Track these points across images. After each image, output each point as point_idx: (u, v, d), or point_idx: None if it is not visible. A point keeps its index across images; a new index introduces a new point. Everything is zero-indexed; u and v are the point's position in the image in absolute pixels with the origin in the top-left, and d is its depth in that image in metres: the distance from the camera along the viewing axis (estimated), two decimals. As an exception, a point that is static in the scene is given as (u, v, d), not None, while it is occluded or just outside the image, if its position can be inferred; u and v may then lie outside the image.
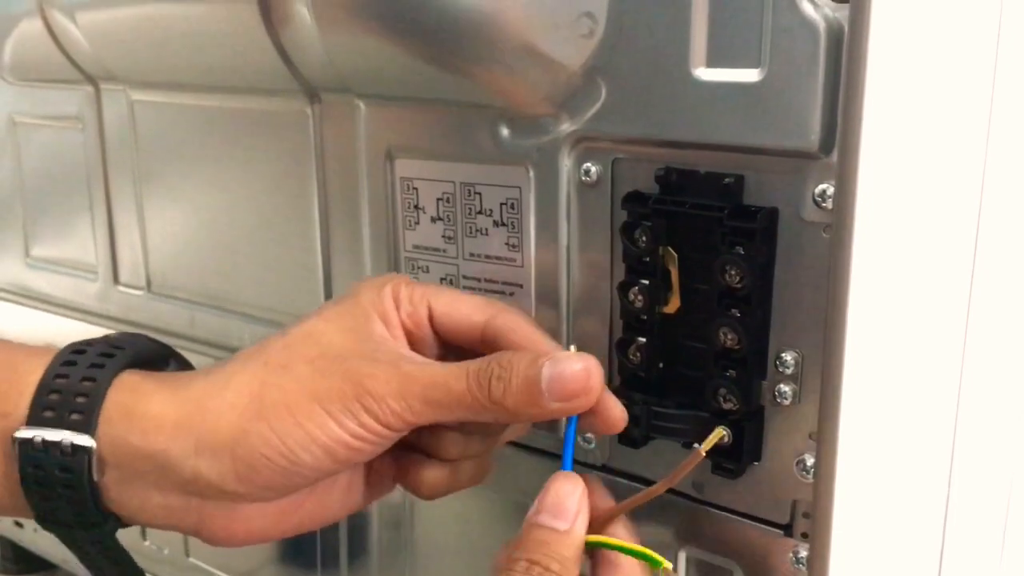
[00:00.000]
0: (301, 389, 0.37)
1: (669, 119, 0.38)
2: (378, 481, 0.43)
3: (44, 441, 0.38)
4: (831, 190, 0.35)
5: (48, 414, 0.38)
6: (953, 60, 0.35)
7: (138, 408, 0.38)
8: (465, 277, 0.47)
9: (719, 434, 0.36)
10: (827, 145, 0.35)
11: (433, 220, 0.47)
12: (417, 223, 0.48)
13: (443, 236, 0.47)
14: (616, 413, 0.38)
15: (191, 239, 0.60)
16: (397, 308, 0.40)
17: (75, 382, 0.38)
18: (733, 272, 0.37)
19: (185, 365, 0.44)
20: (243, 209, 0.56)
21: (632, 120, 0.39)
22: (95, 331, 0.66)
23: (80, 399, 0.38)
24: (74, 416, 0.38)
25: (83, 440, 0.38)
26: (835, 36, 0.34)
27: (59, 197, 0.68)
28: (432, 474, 0.41)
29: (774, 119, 0.35)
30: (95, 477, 0.38)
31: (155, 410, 0.38)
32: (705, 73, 0.37)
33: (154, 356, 0.43)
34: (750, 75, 0.36)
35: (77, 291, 0.68)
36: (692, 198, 0.38)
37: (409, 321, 0.40)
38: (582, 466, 0.45)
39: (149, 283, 0.63)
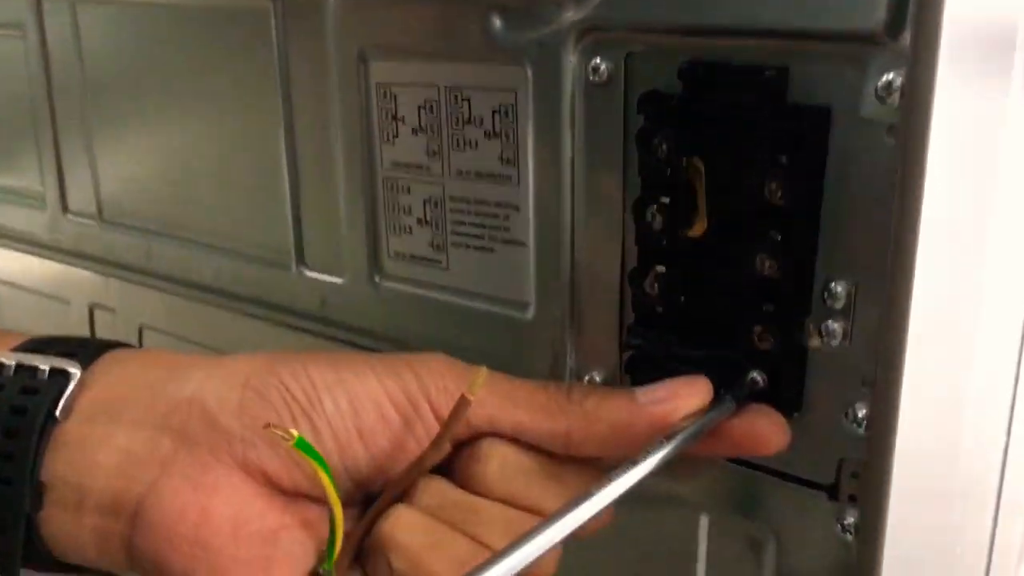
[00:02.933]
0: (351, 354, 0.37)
1: (694, 1, 0.34)
2: None
3: (19, 365, 0.34)
4: (899, 81, 0.30)
5: (33, 349, 0.36)
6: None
7: (138, 353, 0.37)
8: (452, 198, 0.43)
9: (482, 375, 0.33)
10: (895, 26, 0.30)
11: (414, 132, 0.43)
12: (396, 136, 0.44)
13: (426, 151, 0.43)
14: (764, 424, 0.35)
15: (145, 161, 0.56)
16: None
17: (60, 345, 0.36)
18: (774, 186, 0.33)
19: None
20: (200, 126, 0.52)
21: (649, 4, 0.35)
22: (48, 264, 0.64)
23: (71, 346, 0.36)
24: (65, 349, 0.36)
25: (69, 366, 0.34)
26: None
27: None
28: None
29: (828, -5, 0.31)
30: (57, 414, 0.34)
31: (159, 353, 0.37)
32: (741, -60, 0.32)
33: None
34: (798, -60, 0.31)
35: (25, 221, 0.64)
36: (723, 97, 0.34)
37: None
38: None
39: (101, 211, 0.59)
